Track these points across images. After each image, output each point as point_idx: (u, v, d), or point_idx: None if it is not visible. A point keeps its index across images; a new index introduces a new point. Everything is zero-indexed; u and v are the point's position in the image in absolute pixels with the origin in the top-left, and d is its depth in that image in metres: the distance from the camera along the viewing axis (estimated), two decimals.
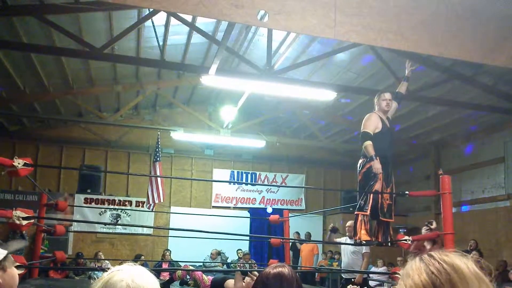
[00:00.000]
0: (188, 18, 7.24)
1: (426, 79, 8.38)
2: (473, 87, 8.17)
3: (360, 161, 5.64)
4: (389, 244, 5.86)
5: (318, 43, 8.25)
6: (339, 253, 9.34)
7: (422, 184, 11.56)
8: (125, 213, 12.00)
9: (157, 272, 7.47)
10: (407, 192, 5.73)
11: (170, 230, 10.98)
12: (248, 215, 12.91)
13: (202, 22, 7.81)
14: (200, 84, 7.62)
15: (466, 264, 0.92)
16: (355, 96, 9.89)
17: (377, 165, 5.35)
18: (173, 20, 7.42)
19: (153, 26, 7.40)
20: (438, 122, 10.29)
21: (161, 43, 8.01)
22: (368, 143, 5.40)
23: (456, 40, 4.93)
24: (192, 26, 7.27)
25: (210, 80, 6.78)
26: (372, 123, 5.57)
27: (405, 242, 5.60)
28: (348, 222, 7.38)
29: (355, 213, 5.64)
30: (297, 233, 11.68)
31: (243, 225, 12.10)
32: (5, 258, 2.02)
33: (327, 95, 7.55)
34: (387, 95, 5.77)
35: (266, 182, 13.38)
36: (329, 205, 12.88)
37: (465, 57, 5.24)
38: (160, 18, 7.54)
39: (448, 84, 8.31)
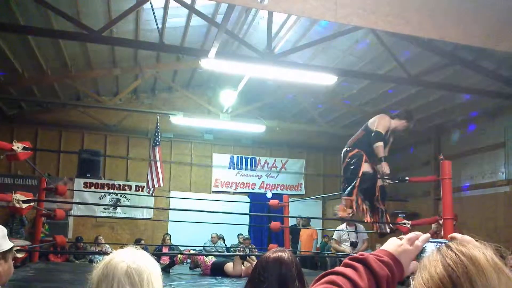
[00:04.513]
0: (187, 0, 7.15)
1: (427, 63, 8.31)
2: (475, 72, 8.12)
3: (344, 149, 5.72)
4: (388, 232, 5.90)
5: (319, 26, 8.17)
6: None
7: (422, 169, 11.55)
8: (125, 197, 12.01)
9: (157, 256, 7.51)
10: (407, 178, 5.74)
11: (170, 216, 11.00)
12: (248, 200, 12.93)
13: (202, 5, 7.71)
14: (200, 67, 7.56)
15: (484, 254, 0.90)
16: (355, 80, 9.83)
17: (386, 168, 5.46)
18: (172, 2, 7.33)
19: (152, 8, 7.31)
20: (438, 107, 10.24)
21: (160, 26, 7.92)
22: (380, 144, 5.45)
23: (458, 24, 4.87)
24: (191, 9, 7.18)
25: (210, 63, 6.72)
26: (385, 125, 5.61)
27: (404, 225, 5.67)
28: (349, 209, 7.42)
29: (342, 198, 5.72)
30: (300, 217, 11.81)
31: (243, 210, 12.13)
32: (10, 249, 2.10)
33: (328, 79, 7.49)
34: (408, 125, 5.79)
35: (266, 167, 13.37)
36: (329, 190, 12.88)
37: (467, 41, 5.19)
38: (159, 1, 7.46)
39: (449, 69, 8.25)
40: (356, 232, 7.67)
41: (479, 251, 0.91)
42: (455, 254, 0.90)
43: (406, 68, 7.87)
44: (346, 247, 7.62)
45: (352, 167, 5.56)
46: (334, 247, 8.04)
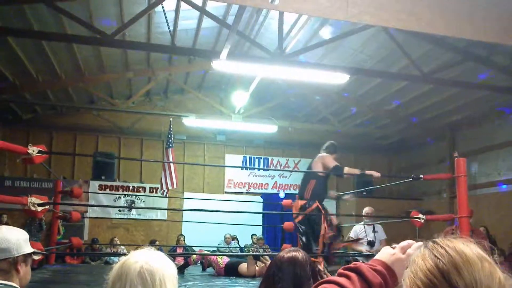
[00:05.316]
0: (198, 2, 7.18)
1: (440, 60, 8.24)
2: (488, 68, 8.02)
3: (302, 203, 5.76)
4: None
5: (330, 25, 8.14)
6: None
7: (436, 167, 11.44)
8: (139, 199, 12.10)
9: (172, 257, 7.56)
10: (421, 176, 5.71)
11: (184, 217, 11.07)
12: (261, 200, 12.93)
13: (213, 7, 7.74)
14: (211, 69, 7.58)
15: (469, 247, 0.96)
16: (367, 79, 9.78)
17: (375, 174, 5.76)
18: (183, 5, 7.37)
19: (164, 11, 7.36)
20: (452, 104, 10.13)
21: (171, 28, 7.97)
22: (346, 168, 5.84)
23: (470, 20, 4.82)
24: (202, 11, 7.21)
25: (221, 64, 6.74)
26: (329, 160, 5.90)
27: (418, 219, 5.70)
28: (366, 208, 7.50)
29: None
30: None
31: (256, 210, 12.13)
32: (31, 254, 2.12)
33: (340, 78, 7.46)
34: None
35: (278, 167, 13.34)
36: (342, 189, 12.80)
37: (479, 38, 5.14)
38: (170, 3, 7.50)
39: (462, 65, 8.17)
40: (374, 232, 7.64)
41: (464, 244, 0.96)
42: (441, 247, 0.96)
43: (419, 66, 7.82)
44: (363, 247, 7.58)
45: (313, 222, 5.67)
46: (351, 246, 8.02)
